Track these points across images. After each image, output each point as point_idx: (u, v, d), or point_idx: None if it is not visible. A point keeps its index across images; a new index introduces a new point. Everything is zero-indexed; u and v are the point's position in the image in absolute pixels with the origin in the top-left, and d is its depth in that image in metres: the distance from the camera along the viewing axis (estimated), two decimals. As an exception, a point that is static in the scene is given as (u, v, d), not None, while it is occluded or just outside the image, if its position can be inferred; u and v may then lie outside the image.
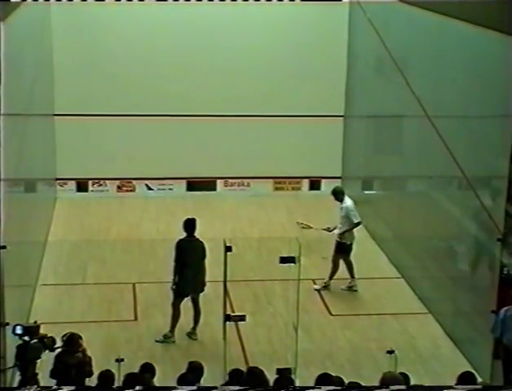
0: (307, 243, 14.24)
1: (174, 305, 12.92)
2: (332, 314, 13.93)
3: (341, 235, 14.53)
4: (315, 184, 19.35)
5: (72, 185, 18.85)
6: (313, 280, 14.77)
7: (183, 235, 12.88)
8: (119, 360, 9.83)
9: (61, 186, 18.77)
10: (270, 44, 18.57)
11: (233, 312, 12.59)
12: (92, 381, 9.76)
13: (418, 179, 15.72)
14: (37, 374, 9.89)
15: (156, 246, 16.05)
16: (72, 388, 7.87)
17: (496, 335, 11.09)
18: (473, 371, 9.76)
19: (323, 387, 8.03)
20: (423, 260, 14.75)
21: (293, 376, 10.75)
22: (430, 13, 13.81)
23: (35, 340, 9.81)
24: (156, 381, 9.58)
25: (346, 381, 9.16)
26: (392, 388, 7.72)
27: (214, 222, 16.95)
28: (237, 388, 7.71)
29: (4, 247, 10.74)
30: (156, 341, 12.80)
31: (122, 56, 18.25)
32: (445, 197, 14.26)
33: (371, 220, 17.24)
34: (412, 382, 9.48)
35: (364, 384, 8.71)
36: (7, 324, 10.68)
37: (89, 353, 10.14)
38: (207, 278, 13.01)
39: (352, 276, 14.68)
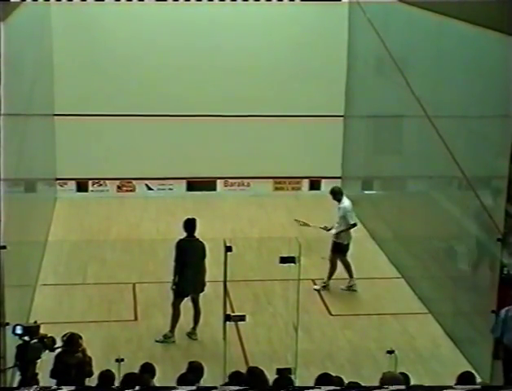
0: (307, 243, 14.24)
1: (174, 305, 12.92)
2: (332, 314, 13.93)
3: (337, 234, 14.55)
4: (315, 184, 19.36)
5: (72, 185, 18.85)
6: (313, 280, 14.78)
7: (183, 235, 12.88)
8: (119, 360, 9.84)
9: (61, 186, 18.77)
10: (270, 44, 18.57)
11: (233, 312, 12.59)
12: (92, 381, 9.76)
13: (418, 179, 15.72)
14: (37, 374, 9.89)
15: (156, 246, 16.05)
16: (73, 388, 7.88)
17: (497, 335, 11.07)
18: (473, 371, 9.75)
19: (323, 387, 8.03)
20: (423, 260, 14.75)
21: (293, 376, 10.77)
22: (430, 13, 13.81)
23: (35, 340, 9.81)
24: (156, 381, 9.58)
25: (346, 381, 9.16)
26: (392, 388, 7.72)
27: (214, 222, 16.95)
28: (237, 388, 7.71)
29: (4, 247, 10.74)
30: (156, 341, 12.80)
31: (122, 56, 18.25)
32: (445, 197, 14.26)
33: (371, 220, 17.26)
34: (412, 382, 9.48)
35: (364, 384, 8.71)
36: (7, 324, 10.68)
37: (89, 353, 10.14)
38: (207, 278, 13.01)
39: (351, 276, 14.69)
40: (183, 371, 9.53)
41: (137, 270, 15.18)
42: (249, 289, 14.50)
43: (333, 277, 14.73)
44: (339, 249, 14.60)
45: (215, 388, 7.81)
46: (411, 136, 15.92)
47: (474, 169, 12.71)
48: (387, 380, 8.63)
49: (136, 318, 13.58)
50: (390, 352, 10.25)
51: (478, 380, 10.11)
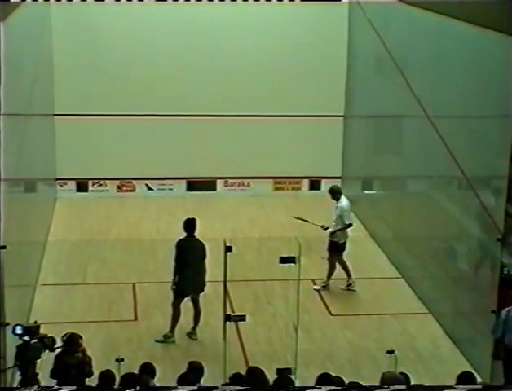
0: (307, 243, 14.23)
1: (174, 305, 12.92)
2: (332, 314, 13.94)
3: (332, 233, 14.56)
4: (315, 184, 19.36)
5: (72, 185, 18.86)
6: (313, 280, 14.78)
7: (183, 235, 12.88)
8: (119, 360, 9.85)
9: (61, 186, 18.77)
10: (270, 44, 18.57)
11: (233, 312, 12.59)
12: (92, 381, 9.76)
13: (418, 179, 15.71)
14: (37, 374, 9.89)
15: (156, 246, 16.05)
16: (73, 388, 7.88)
17: (498, 335, 11.04)
18: (473, 371, 9.74)
19: (323, 387, 8.03)
20: (423, 260, 14.75)
21: (293, 376, 10.77)
22: (430, 13, 13.81)
23: (35, 340, 9.81)
24: (156, 381, 9.58)
25: (346, 381, 9.16)
26: (392, 388, 7.72)
27: (214, 222, 16.95)
28: (238, 388, 7.71)
29: (4, 247, 10.74)
30: (156, 341, 12.80)
31: (122, 56, 18.25)
32: (445, 197, 14.26)
33: (371, 220, 17.26)
34: (412, 382, 9.48)
35: (364, 384, 8.71)
36: (7, 324, 10.69)
37: (89, 353, 10.13)
38: (207, 278, 13.01)
39: (349, 275, 14.69)
40: (183, 371, 9.53)
41: (137, 270, 15.18)
42: (249, 289, 14.51)
43: (333, 277, 14.73)
44: (335, 248, 14.62)
45: (216, 388, 7.82)
46: (411, 136, 15.92)
47: (474, 169, 12.71)
48: (387, 380, 8.63)
49: (136, 318, 13.58)
50: (390, 352, 10.26)
51: (479, 380, 10.09)
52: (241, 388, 7.68)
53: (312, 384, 8.90)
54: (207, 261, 12.91)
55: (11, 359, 10.15)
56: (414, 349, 12.75)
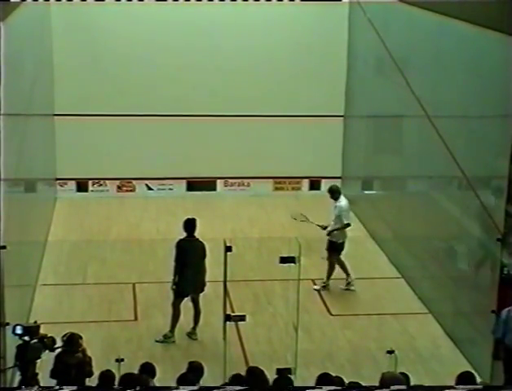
0: (307, 243, 14.22)
1: (174, 305, 12.92)
2: (332, 314, 13.93)
3: (330, 233, 14.57)
4: (315, 184, 19.36)
5: (72, 185, 18.86)
6: (313, 280, 14.78)
7: (183, 235, 12.88)
8: (119, 360, 9.85)
9: (61, 186, 18.77)
10: (270, 44, 18.57)
11: (233, 312, 12.59)
12: (92, 381, 9.76)
13: (418, 179, 15.71)
14: (37, 374, 9.88)
15: (156, 246, 16.05)
16: (73, 388, 7.87)
17: (498, 335, 11.03)
18: (473, 371, 9.74)
19: (324, 387, 8.03)
20: (423, 260, 14.75)
21: (293, 376, 10.77)
22: (430, 13, 13.81)
23: (35, 340, 9.80)
24: (156, 381, 9.58)
25: (346, 381, 9.16)
26: (392, 388, 7.72)
27: (214, 222, 16.95)
28: (237, 388, 7.71)
29: (4, 247, 10.74)
30: (156, 341, 12.80)
31: (122, 56, 18.25)
32: (445, 197, 14.26)
33: (371, 220, 17.26)
34: (412, 382, 9.48)
35: (364, 384, 8.71)
36: (7, 324, 10.69)
37: (89, 353, 10.13)
38: (207, 278, 13.01)
39: (347, 273, 14.69)
40: (183, 371, 9.53)
41: (137, 270, 15.18)
42: (249, 289, 14.51)
43: (333, 277, 14.73)
44: (334, 248, 14.63)
45: (216, 388, 7.82)
46: (411, 136, 15.92)
47: (474, 169, 12.71)
48: (387, 380, 8.63)
49: (136, 318, 13.58)
50: (390, 352, 10.26)
51: (479, 380, 10.09)
52: (241, 388, 7.68)
53: (312, 384, 8.90)
54: (207, 261, 12.91)
55: (11, 359, 10.15)
56: (414, 349, 12.75)
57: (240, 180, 19.26)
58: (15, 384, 10.36)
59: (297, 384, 10.14)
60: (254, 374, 9.16)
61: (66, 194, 18.70)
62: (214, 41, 18.30)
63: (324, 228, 14.76)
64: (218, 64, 18.40)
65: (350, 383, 8.99)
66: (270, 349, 12.64)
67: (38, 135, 16.06)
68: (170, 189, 19.11)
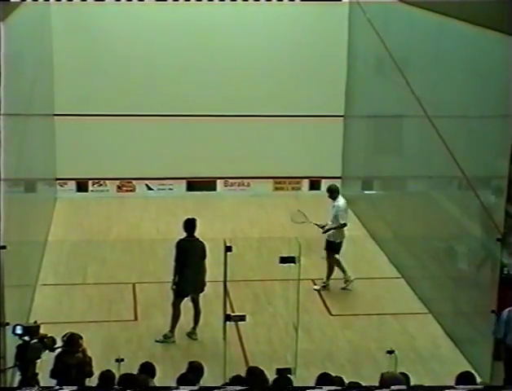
0: (307, 243, 14.22)
1: (174, 305, 12.92)
2: (332, 314, 13.93)
3: (325, 232, 14.57)
4: (315, 184, 19.36)
5: (72, 185, 18.86)
6: (313, 280, 14.78)
7: (183, 235, 12.88)
8: (119, 360, 9.85)
9: (61, 186, 18.77)
10: (270, 44, 18.57)
11: (233, 312, 12.59)
12: (92, 381, 9.76)
13: (418, 179, 15.71)
14: (37, 374, 9.89)
15: (156, 246, 16.05)
16: (73, 388, 7.88)
17: (499, 336, 11.00)
18: (473, 371, 9.74)
19: (324, 387, 8.04)
20: (423, 260, 14.75)
21: (292, 376, 10.77)
22: (430, 13, 13.81)
23: (35, 340, 9.80)
24: (156, 381, 9.58)
25: (346, 381, 9.16)
26: (392, 388, 7.72)
27: (214, 222, 16.95)
28: (237, 388, 7.71)
29: (4, 247, 10.74)
30: (156, 341, 12.80)
31: (122, 56, 18.25)
32: (445, 197, 14.26)
33: (371, 220, 17.26)
34: (412, 382, 9.48)
35: (364, 384, 8.71)
36: (7, 324, 10.69)
37: (89, 353, 10.14)
38: (207, 278, 13.01)
39: (343, 271, 14.67)
40: (183, 371, 9.52)
41: (137, 270, 15.18)
42: (249, 289, 14.51)
43: (333, 277, 14.73)
44: (331, 248, 14.65)
45: (216, 388, 7.82)
46: (411, 136, 15.92)
47: (474, 169, 12.71)
48: (387, 380, 8.63)
49: (136, 318, 13.58)
50: (390, 352, 10.25)
51: (479, 380, 10.09)
52: (241, 388, 7.68)
53: (312, 384, 8.90)
54: (207, 261, 12.91)
55: (11, 359, 10.15)
56: (414, 349, 12.75)
57: (240, 180, 19.26)
58: (15, 384, 10.36)
59: (297, 384, 10.13)
60: (254, 374, 9.16)
61: (66, 194, 18.69)
62: (214, 41, 18.30)
63: (323, 227, 14.77)
64: (218, 64, 18.40)
65: (350, 383, 9.00)
66: (270, 349, 12.64)
67: (38, 135, 16.06)
68: (170, 189, 19.11)
